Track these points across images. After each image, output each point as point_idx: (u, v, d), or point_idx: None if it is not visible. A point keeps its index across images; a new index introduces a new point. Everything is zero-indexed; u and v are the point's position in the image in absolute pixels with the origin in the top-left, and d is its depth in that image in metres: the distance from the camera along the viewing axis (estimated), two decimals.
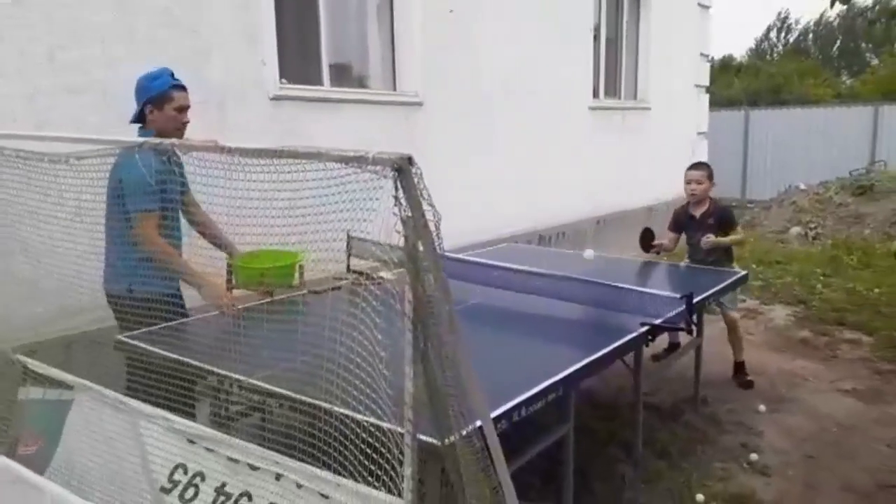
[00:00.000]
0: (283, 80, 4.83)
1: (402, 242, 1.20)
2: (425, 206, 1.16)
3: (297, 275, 3.74)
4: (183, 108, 3.22)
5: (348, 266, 3.92)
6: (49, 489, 2.00)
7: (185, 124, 3.24)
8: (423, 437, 1.36)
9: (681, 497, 3.32)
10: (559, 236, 7.59)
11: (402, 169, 1.15)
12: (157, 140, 1.55)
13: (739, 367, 4.79)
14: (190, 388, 2.60)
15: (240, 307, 3.09)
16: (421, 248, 1.20)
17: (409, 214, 1.18)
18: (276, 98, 4.71)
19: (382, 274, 3.63)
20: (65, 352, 3.56)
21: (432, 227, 1.18)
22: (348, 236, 3.55)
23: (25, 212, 2.67)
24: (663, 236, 4.94)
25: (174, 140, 1.42)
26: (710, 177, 4.78)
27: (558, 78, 7.41)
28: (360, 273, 3.82)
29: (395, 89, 5.89)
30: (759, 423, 4.13)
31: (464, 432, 1.25)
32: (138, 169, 2.84)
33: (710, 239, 4.59)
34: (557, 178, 7.47)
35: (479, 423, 1.30)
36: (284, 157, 1.29)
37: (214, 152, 1.40)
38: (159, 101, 3.14)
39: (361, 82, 5.80)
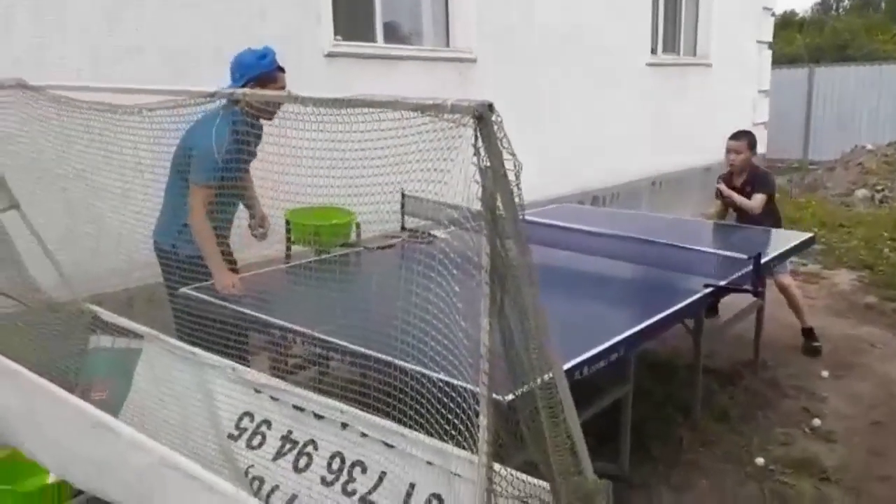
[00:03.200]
0: (338, 37, 4.79)
1: (479, 193, 1.17)
2: (506, 156, 1.12)
3: (351, 232, 3.76)
4: (283, 89, 3.08)
5: (402, 224, 3.93)
6: (125, 433, 2.06)
7: (275, 111, 3.15)
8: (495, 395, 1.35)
9: (740, 461, 3.27)
10: (613, 197, 7.45)
11: (483, 116, 1.12)
12: (229, 90, 1.55)
13: (808, 333, 4.63)
14: (244, 342, 2.65)
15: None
16: (499, 199, 1.17)
17: (488, 164, 1.15)
18: (331, 55, 4.69)
19: (435, 232, 3.64)
20: (126, 305, 3.67)
21: (512, 177, 1.15)
22: (402, 194, 3.54)
23: (90, 167, 2.73)
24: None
25: (245, 90, 1.40)
26: (751, 146, 4.68)
27: (615, 33, 7.19)
28: (413, 231, 3.85)
29: (448, 45, 5.80)
30: (822, 388, 4.03)
31: (539, 382, 1.24)
32: (209, 140, 2.83)
33: (722, 186, 4.66)
34: (612, 137, 7.31)
35: (551, 374, 1.29)
36: (358, 105, 1.27)
37: (287, 102, 1.39)
38: (264, 80, 3.01)
39: (415, 39, 5.73)
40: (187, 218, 3.03)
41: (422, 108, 1.20)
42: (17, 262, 2.91)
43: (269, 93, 1.38)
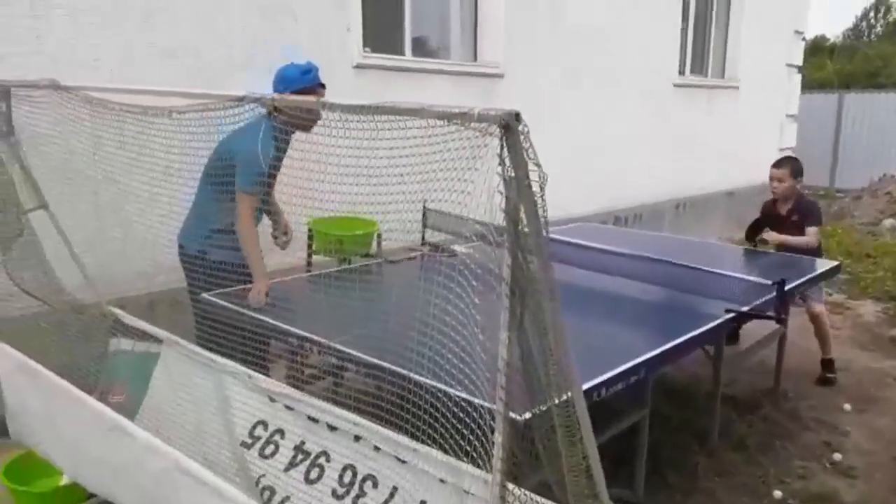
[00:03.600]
0: (367, 49, 4.83)
1: (503, 204, 1.15)
2: (531, 167, 1.11)
3: (373, 243, 3.77)
4: None
5: (423, 238, 3.92)
6: (141, 437, 2.07)
7: (315, 122, 3.18)
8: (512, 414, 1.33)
9: (757, 493, 3.20)
10: (635, 218, 7.40)
11: (510, 126, 1.11)
12: (258, 96, 1.55)
13: (826, 365, 4.53)
14: (264, 350, 2.64)
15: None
16: (523, 211, 1.15)
17: (513, 174, 1.13)
18: (360, 66, 4.72)
19: (455, 247, 3.63)
20: (148, 308, 3.69)
21: (536, 189, 1.13)
22: (424, 207, 3.54)
23: (119, 170, 2.75)
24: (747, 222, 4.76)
25: (275, 95, 1.42)
26: (795, 174, 4.53)
27: (643, 53, 7.18)
28: (435, 245, 3.85)
29: (475, 60, 5.82)
30: (843, 422, 3.94)
31: (557, 401, 1.22)
32: (257, 148, 2.85)
33: (772, 234, 4.48)
34: (637, 157, 7.27)
35: (570, 393, 1.26)
36: (385, 113, 1.27)
37: (316, 108, 1.39)
38: (304, 95, 3.01)
39: (442, 53, 5.76)
40: (217, 224, 3.05)
41: (448, 117, 1.19)
42: (43, 263, 2.94)
43: (296, 98, 1.38)
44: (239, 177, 2.96)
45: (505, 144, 1.12)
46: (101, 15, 3.58)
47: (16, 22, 3.34)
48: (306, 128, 2.77)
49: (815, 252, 4.43)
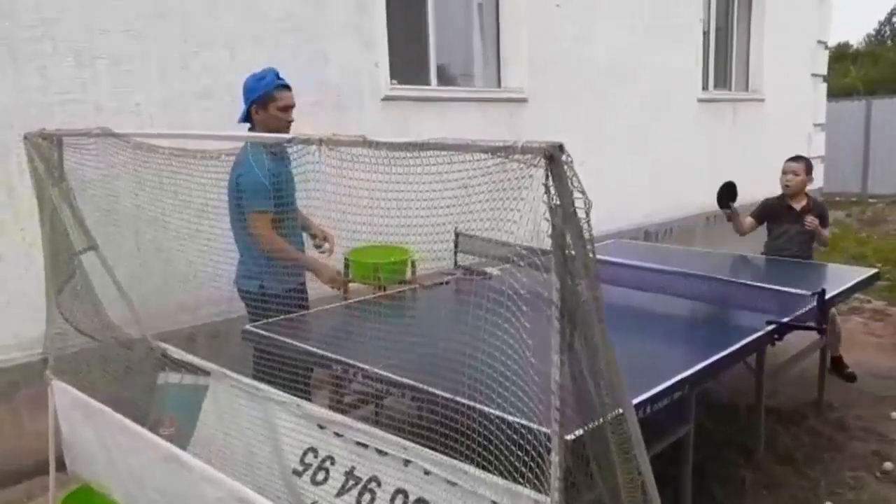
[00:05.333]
0: (394, 81, 4.94)
1: (550, 231, 1.20)
2: (576, 194, 1.16)
3: (408, 270, 3.82)
4: (287, 108, 3.26)
5: (455, 261, 3.97)
6: (196, 466, 2.13)
7: (289, 123, 3.29)
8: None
9: None
10: (666, 233, 7.38)
11: (554, 157, 1.16)
12: (306, 136, 1.63)
13: (837, 362, 4.58)
14: (308, 377, 2.70)
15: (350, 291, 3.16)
16: (569, 237, 1.20)
17: (558, 202, 1.18)
18: (387, 98, 4.83)
19: (488, 269, 3.67)
20: (188, 341, 3.78)
21: (582, 215, 1.18)
22: (456, 233, 3.59)
23: (161, 210, 2.86)
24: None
25: (322, 135, 1.47)
26: (808, 171, 4.66)
27: (666, 70, 7.21)
28: (468, 269, 3.89)
29: (499, 86, 5.90)
30: (891, 430, 3.87)
31: (610, 418, 1.25)
32: (252, 170, 2.97)
33: (815, 221, 4.48)
34: (664, 173, 7.27)
35: (621, 410, 1.30)
36: (431, 149, 1.33)
37: (361, 146, 1.45)
38: (263, 100, 3.20)
39: (467, 80, 5.85)
40: (265, 255, 3.12)
41: (493, 151, 1.24)
42: (93, 301, 3.04)
43: (343, 139, 1.43)
44: (247, 203, 3.07)
45: (550, 174, 1.17)
46: (141, 62, 3.73)
47: (62, 73, 3.49)
48: (284, 129, 3.11)
49: (801, 252, 4.55)
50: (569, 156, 1.17)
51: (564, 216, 1.19)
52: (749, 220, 4.82)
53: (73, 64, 3.51)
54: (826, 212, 4.68)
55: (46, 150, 2.71)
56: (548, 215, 1.20)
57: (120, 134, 2.24)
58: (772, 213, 4.76)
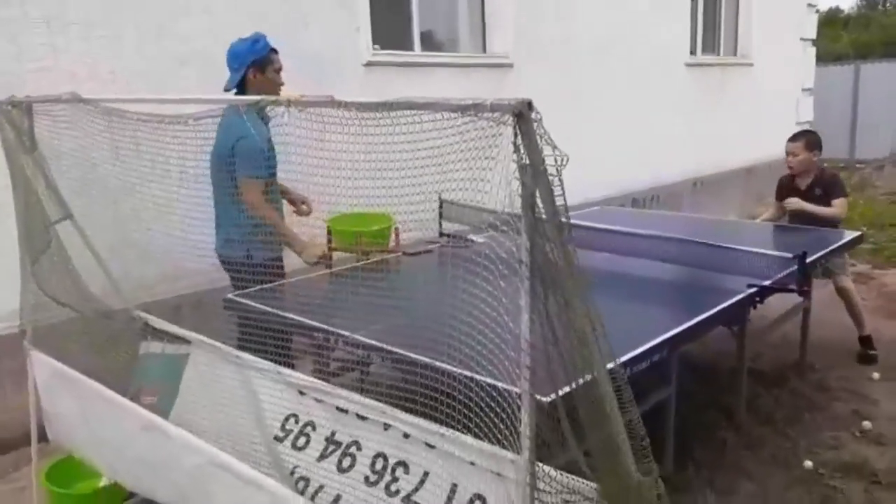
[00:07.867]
0: (376, 46, 4.86)
1: (519, 190, 1.18)
2: (547, 151, 1.14)
3: (390, 237, 3.80)
4: (280, 70, 3.29)
5: (441, 230, 3.96)
6: (176, 434, 2.13)
7: (281, 85, 3.31)
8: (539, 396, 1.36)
9: (787, 464, 3.21)
10: (653, 199, 7.38)
11: (522, 114, 1.13)
12: (273, 98, 1.59)
13: (865, 341, 4.44)
14: (289, 346, 2.69)
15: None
16: (539, 196, 1.18)
17: (528, 161, 1.16)
18: (369, 64, 4.76)
19: (472, 237, 3.66)
20: (173, 312, 3.76)
21: (555, 171, 1.16)
22: (440, 199, 3.57)
23: (139, 178, 2.82)
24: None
25: (291, 95, 1.44)
26: (810, 146, 4.49)
27: (653, 35, 7.14)
28: (452, 236, 3.88)
29: (485, 51, 5.83)
30: (872, 391, 3.93)
31: (584, 379, 1.25)
32: (252, 134, 2.92)
33: (794, 200, 4.43)
34: (652, 139, 7.24)
35: (595, 372, 1.29)
36: (399, 108, 1.30)
37: (330, 107, 1.42)
38: (262, 63, 3.20)
39: (451, 46, 5.77)
40: (253, 222, 3.07)
41: (462, 109, 1.22)
42: (70, 271, 3.01)
43: (311, 100, 1.39)
44: (241, 167, 3.02)
45: (519, 132, 1.15)
46: (115, 28, 3.64)
47: (34, 40, 3.41)
48: (277, 92, 3.10)
49: (834, 224, 4.40)
50: (538, 113, 1.14)
51: (535, 174, 1.17)
52: (777, 204, 4.76)
53: (45, 30, 3.43)
54: (835, 186, 4.49)
55: (17, 118, 2.65)
56: (517, 174, 1.18)
57: (89, 99, 2.19)
58: (782, 192, 4.69)
